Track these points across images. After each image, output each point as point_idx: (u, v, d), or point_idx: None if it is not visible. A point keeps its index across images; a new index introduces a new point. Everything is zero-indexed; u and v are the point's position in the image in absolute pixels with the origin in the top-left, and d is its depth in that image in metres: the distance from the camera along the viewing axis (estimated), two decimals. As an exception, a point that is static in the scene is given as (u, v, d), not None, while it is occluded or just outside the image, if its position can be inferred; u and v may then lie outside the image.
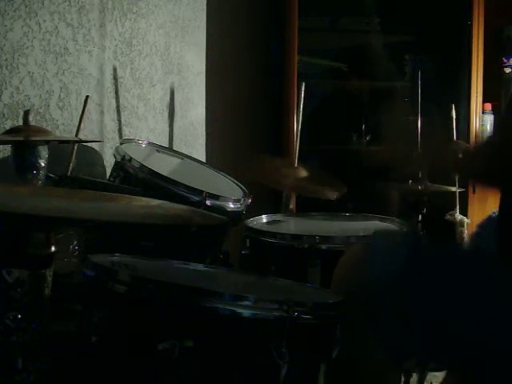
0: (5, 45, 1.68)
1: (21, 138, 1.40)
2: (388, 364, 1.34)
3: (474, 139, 3.54)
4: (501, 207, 1.23)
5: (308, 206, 2.30)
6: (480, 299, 1.11)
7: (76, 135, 1.80)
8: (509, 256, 1.16)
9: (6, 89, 1.69)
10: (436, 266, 1.19)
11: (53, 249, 1.00)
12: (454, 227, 2.95)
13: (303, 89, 2.41)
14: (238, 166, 2.19)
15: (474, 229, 1.38)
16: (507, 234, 1.19)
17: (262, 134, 3.69)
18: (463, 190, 2.86)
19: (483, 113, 3.59)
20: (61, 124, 1.93)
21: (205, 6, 3.03)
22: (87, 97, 1.84)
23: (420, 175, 2.29)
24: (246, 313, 1.08)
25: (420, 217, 2.20)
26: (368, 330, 1.23)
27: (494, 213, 1.36)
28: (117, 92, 2.26)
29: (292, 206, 2.50)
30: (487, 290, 1.12)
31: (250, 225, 1.84)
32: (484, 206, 3.38)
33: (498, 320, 1.08)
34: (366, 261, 1.27)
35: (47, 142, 1.44)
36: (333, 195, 2.16)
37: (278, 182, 2.26)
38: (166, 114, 2.64)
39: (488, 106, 3.61)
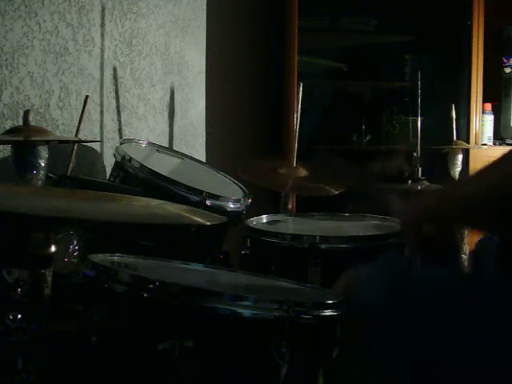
0: (5, 45, 1.68)
1: (21, 138, 1.40)
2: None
3: (473, 139, 3.54)
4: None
5: (308, 206, 2.30)
6: (473, 323, 1.09)
7: (76, 135, 1.80)
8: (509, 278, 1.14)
9: (6, 89, 1.69)
10: (425, 290, 1.17)
11: (53, 249, 1.00)
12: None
13: (301, 89, 2.41)
14: (238, 166, 2.19)
15: (473, 246, 1.34)
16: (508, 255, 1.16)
17: (262, 134, 3.69)
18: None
19: (483, 113, 3.59)
20: (61, 124, 1.93)
21: (205, 6, 3.03)
22: (87, 97, 1.84)
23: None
24: (246, 313, 1.08)
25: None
26: (358, 355, 1.23)
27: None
28: (117, 92, 2.26)
29: (291, 205, 2.50)
30: (480, 313, 1.10)
31: (251, 225, 1.83)
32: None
33: (492, 345, 1.07)
34: (353, 287, 1.26)
35: (47, 142, 1.44)
36: (333, 192, 2.16)
37: (277, 182, 2.26)
38: (166, 114, 2.64)
39: (488, 106, 3.61)
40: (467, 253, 1.33)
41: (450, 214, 1.12)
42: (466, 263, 1.27)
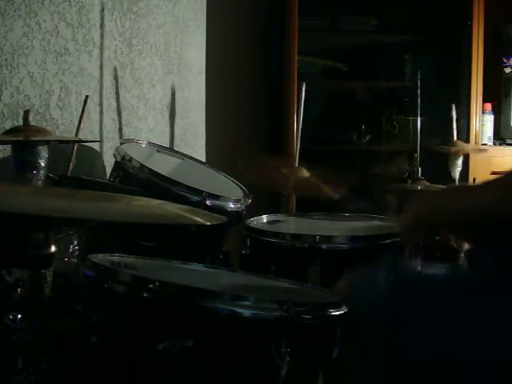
0: (5, 45, 1.68)
1: (21, 138, 1.40)
2: None
3: (473, 139, 3.54)
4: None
5: (308, 206, 2.30)
6: (473, 321, 1.09)
7: (76, 135, 1.80)
8: (507, 274, 1.14)
9: (6, 89, 1.69)
10: (425, 290, 1.17)
11: (53, 249, 1.00)
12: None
13: (304, 89, 2.40)
14: (238, 166, 2.19)
15: (469, 246, 1.35)
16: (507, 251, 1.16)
17: (262, 134, 3.69)
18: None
19: (483, 113, 3.59)
20: (61, 124, 1.93)
21: (205, 6, 3.03)
22: (87, 97, 1.84)
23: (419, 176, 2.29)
24: (246, 313, 1.08)
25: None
26: (358, 355, 1.22)
27: None
28: (117, 92, 2.26)
29: (291, 206, 2.50)
30: (480, 312, 1.10)
31: (251, 225, 1.83)
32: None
33: (492, 343, 1.07)
34: (355, 287, 1.26)
35: (47, 142, 1.44)
36: (334, 195, 2.16)
37: (278, 183, 2.26)
38: (166, 114, 2.64)
39: (488, 105, 3.61)
40: (464, 252, 1.34)
41: (440, 225, 1.16)
42: (463, 262, 1.28)
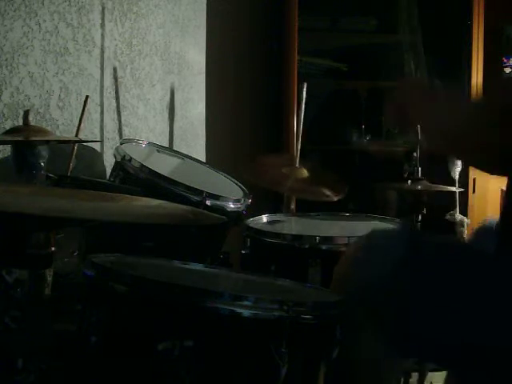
0: (5, 45, 1.68)
1: (21, 138, 1.40)
2: (387, 364, 1.33)
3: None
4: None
5: (308, 206, 2.29)
6: (481, 296, 1.09)
7: (76, 135, 1.80)
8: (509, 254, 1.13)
9: (6, 89, 1.69)
10: (435, 262, 1.17)
11: (53, 249, 1.00)
12: (454, 227, 2.96)
13: (305, 89, 2.39)
14: (238, 166, 2.19)
15: (469, 235, 1.33)
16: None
17: (262, 134, 3.69)
18: (463, 189, 2.86)
19: (483, 113, 3.59)
20: (61, 124, 1.93)
21: (205, 6, 3.03)
22: (87, 97, 1.84)
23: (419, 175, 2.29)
24: (245, 313, 1.08)
25: (420, 217, 2.20)
26: (368, 328, 1.22)
27: (489, 219, 1.32)
28: (117, 92, 2.26)
29: (293, 206, 2.49)
30: (488, 287, 1.10)
31: (251, 225, 1.83)
32: (484, 206, 3.38)
33: (500, 318, 1.07)
34: (364, 259, 1.25)
35: (47, 142, 1.45)
36: (334, 197, 2.15)
37: (278, 183, 2.25)
38: (166, 114, 2.64)
39: (488, 105, 3.60)
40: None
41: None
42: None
